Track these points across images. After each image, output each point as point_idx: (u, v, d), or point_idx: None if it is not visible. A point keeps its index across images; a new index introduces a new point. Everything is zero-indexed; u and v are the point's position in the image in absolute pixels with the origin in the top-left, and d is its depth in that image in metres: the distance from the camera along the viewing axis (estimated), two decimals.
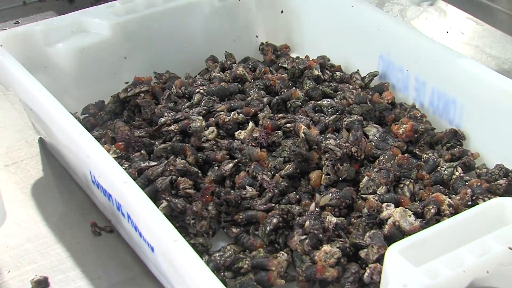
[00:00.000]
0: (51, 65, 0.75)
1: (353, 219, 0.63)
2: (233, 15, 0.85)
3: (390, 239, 0.59)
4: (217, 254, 0.60)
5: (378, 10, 0.81)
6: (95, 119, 0.75)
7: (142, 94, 0.75)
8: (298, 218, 0.62)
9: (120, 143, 0.70)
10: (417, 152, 0.70)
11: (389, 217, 0.60)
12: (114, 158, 0.63)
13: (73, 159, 0.67)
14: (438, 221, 0.60)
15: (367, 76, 0.80)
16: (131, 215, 0.57)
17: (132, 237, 0.62)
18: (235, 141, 0.69)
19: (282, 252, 0.60)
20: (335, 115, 0.72)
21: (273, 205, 0.64)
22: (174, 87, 0.77)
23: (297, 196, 0.65)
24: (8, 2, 1.00)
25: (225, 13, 0.85)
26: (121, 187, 0.57)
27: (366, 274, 0.57)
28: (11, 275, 0.62)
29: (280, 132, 0.70)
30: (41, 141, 0.78)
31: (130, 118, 0.75)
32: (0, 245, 0.65)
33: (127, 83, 0.79)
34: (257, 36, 0.88)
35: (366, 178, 0.65)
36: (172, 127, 0.70)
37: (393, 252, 0.49)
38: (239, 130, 0.71)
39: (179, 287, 0.55)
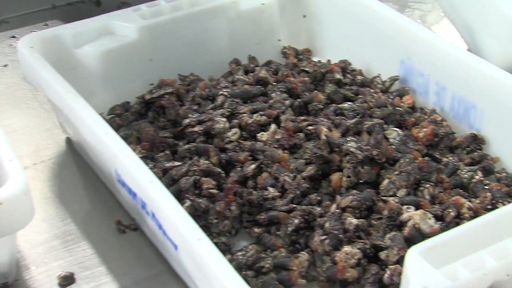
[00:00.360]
0: (79, 67, 0.75)
1: (373, 221, 0.62)
2: (257, 20, 0.85)
3: (410, 241, 0.58)
4: (240, 253, 0.60)
5: (399, 15, 0.80)
6: (121, 120, 0.75)
7: (166, 96, 0.75)
8: (319, 219, 0.62)
9: (145, 143, 0.70)
10: (437, 156, 0.70)
11: (409, 220, 0.60)
12: (139, 158, 0.62)
13: (99, 158, 0.67)
14: (457, 224, 0.60)
15: (388, 80, 0.80)
16: (155, 214, 0.57)
17: (156, 235, 0.62)
18: (258, 142, 0.69)
19: (303, 252, 0.60)
20: (356, 118, 0.71)
21: (295, 206, 0.63)
22: (198, 89, 0.77)
23: (318, 198, 0.65)
24: (37, 5, 1.01)
25: (249, 17, 0.84)
26: (147, 186, 0.58)
27: (386, 275, 0.56)
28: (39, 271, 0.63)
29: (301, 134, 0.70)
30: (68, 140, 0.78)
31: (155, 119, 0.75)
32: (28, 241, 0.65)
33: (152, 84, 0.79)
34: (279, 40, 0.88)
35: (386, 180, 0.64)
36: (196, 128, 0.70)
37: (413, 254, 0.49)
38: (262, 132, 0.70)
39: (202, 285, 0.55)
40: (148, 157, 0.68)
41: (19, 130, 0.80)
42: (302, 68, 0.82)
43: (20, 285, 0.61)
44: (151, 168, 0.64)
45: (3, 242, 0.56)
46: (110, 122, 0.75)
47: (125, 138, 0.71)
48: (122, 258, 0.64)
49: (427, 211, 0.60)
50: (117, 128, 0.75)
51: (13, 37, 0.95)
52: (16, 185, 0.54)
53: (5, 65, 0.90)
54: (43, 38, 0.73)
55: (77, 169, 0.75)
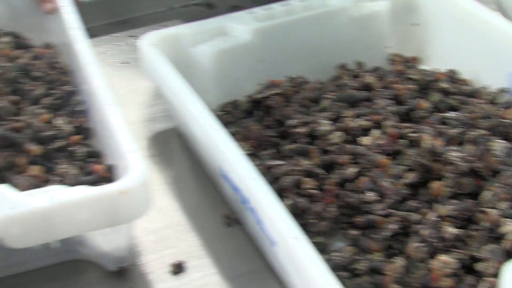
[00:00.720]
0: (193, 65, 0.77)
1: (471, 231, 0.60)
2: (368, 26, 0.84)
3: (509, 255, 0.56)
4: (335, 254, 0.59)
5: (511, 26, 0.77)
6: (230, 117, 0.77)
7: (274, 96, 0.76)
8: (416, 226, 0.60)
9: (252, 140, 0.71)
10: None
11: (509, 233, 0.58)
12: (245, 154, 0.63)
13: (206, 152, 0.69)
14: None
15: (496, 91, 0.77)
16: (256, 209, 0.58)
17: (255, 231, 0.62)
18: (360, 146, 0.68)
19: (398, 257, 0.59)
20: (460, 128, 0.69)
21: (392, 211, 0.62)
22: (305, 91, 0.77)
23: (416, 205, 0.63)
24: (155, 7, 1.04)
25: (360, 23, 0.84)
26: (249, 183, 0.58)
27: (481, 287, 0.55)
28: (152, 257, 0.65)
29: (404, 141, 0.69)
30: (179, 135, 0.80)
31: (261, 118, 0.76)
32: (142, 229, 0.67)
33: (261, 85, 0.80)
34: (387, 47, 0.87)
35: (488, 192, 0.62)
36: (300, 129, 0.70)
37: (510, 269, 0.47)
38: (364, 136, 0.70)
39: (297, 283, 0.55)
40: (253, 155, 0.69)
41: (136, 123, 0.83)
42: (408, 75, 0.81)
43: (135, 270, 0.63)
44: (255, 165, 0.65)
45: (123, 229, 0.58)
46: (220, 118, 0.77)
47: (233, 134, 0.72)
48: (227, 250, 0.65)
49: None
50: (225, 124, 0.76)
51: (132, 36, 0.98)
52: (137, 176, 0.56)
53: (126, 62, 0.93)
54: (163, 37, 0.75)
55: (187, 163, 0.76)
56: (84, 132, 0.72)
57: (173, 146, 0.79)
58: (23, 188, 0.59)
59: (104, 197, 0.56)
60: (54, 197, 0.55)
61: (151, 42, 0.74)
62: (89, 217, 0.56)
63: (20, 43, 0.82)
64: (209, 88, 0.78)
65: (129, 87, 0.89)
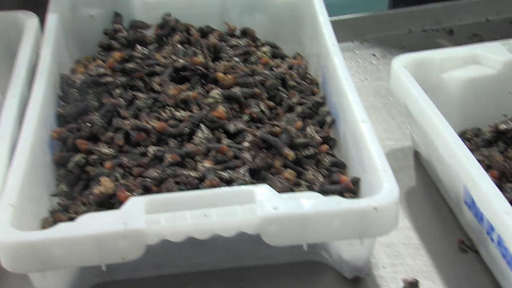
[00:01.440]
0: (440, 89, 0.74)
1: None
2: None
3: None
4: None
5: None
6: (470, 144, 0.72)
7: None
8: None
9: (494, 171, 0.66)
10: None
11: None
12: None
13: (449, 176, 0.65)
14: None
15: None
16: (504, 242, 0.54)
17: (496, 262, 0.58)
18: None
19: None
20: None
21: None
22: None
23: None
24: (395, 29, 1.01)
25: None
26: (503, 216, 0.54)
27: None
28: (386, 271, 0.63)
29: None
30: (416, 154, 0.77)
31: (505, 149, 0.71)
32: (378, 243, 0.66)
33: (506, 116, 0.74)
34: None
35: None
36: None
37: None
38: None
39: None
40: (496, 185, 0.64)
41: None
42: None
43: (369, 280, 0.62)
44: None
45: (367, 242, 0.57)
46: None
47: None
48: (459, 276, 0.62)
49: None
50: None
51: (373, 55, 0.97)
52: (390, 195, 0.55)
53: (365, 79, 0.92)
54: (415, 60, 0.73)
55: (423, 182, 0.74)
56: (330, 142, 0.72)
57: (408, 164, 0.76)
58: (278, 189, 0.60)
59: (358, 210, 0.55)
60: (312, 204, 0.55)
61: (403, 64, 0.72)
62: (341, 227, 0.55)
63: (276, 53, 0.84)
64: (453, 113, 0.74)
65: (365, 102, 0.88)
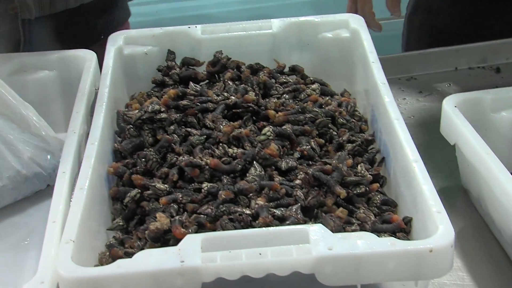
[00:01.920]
0: (492, 129, 0.72)
1: None
2: None
3: None
4: None
5: None
6: None
7: None
8: None
9: None
10: None
11: None
12: None
13: (503, 217, 0.63)
14: None
15: None
16: None
17: None
18: None
19: None
20: None
21: None
22: None
23: None
24: (442, 66, 1.00)
25: None
26: None
27: None
28: None
29: None
30: (465, 192, 0.75)
31: None
32: (431, 283, 0.64)
33: None
34: None
35: None
36: None
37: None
38: None
39: None
40: None
41: None
42: None
43: None
44: None
45: (423, 283, 0.56)
46: None
47: None
48: None
49: None
50: None
51: (420, 92, 0.95)
52: (446, 236, 0.53)
53: (412, 116, 0.91)
54: (466, 100, 0.72)
55: (471, 221, 0.72)
56: (381, 180, 0.70)
57: (458, 203, 0.75)
58: (331, 228, 0.59)
59: (413, 252, 0.53)
60: (366, 244, 0.54)
61: (454, 103, 0.71)
62: (395, 268, 0.54)
63: (324, 90, 0.83)
64: (504, 152, 0.72)
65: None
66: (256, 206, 0.62)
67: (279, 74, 0.84)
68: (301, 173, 0.66)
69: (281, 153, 0.69)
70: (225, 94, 0.77)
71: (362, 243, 0.54)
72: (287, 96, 0.79)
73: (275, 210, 0.62)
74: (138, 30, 0.86)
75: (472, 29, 1.09)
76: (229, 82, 0.80)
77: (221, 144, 0.70)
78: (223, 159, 0.68)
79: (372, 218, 0.64)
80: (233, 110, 0.75)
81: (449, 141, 0.72)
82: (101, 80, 0.77)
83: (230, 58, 0.84)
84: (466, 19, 1.10)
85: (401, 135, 0.66)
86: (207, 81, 0.84)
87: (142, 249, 0.59)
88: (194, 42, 0.86)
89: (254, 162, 0.67)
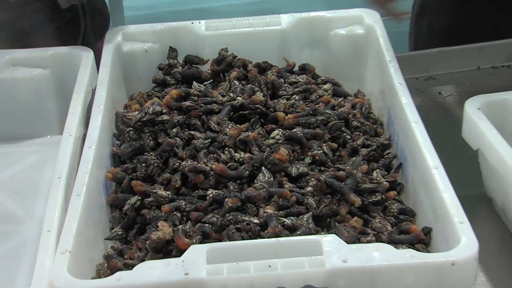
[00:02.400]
0: None
1: None
2: None
3: None
4: None
5: None
6: None
7: None
8: None
9: None
10: None
11: None
12: None
13: None
14: None
15: None
16: None
17: None
18: None
19: None
20: None
21: None
22: None
23: None
24: (463, 65, 1.00)
25: None
26: None
27: None
28: None
29: None
30: (489, 200, 0.75)
31: None
32: None
33: None
34: None
35: None
36: None
37: None
38: None
39: None
40: None
41: None
42: None
43: None
44: None
45: None
46: None
47: None
48: None
49: None
50: None
51: (439, 93, 0.96)
52: (469, 249, 0.53)
53: (431, 118, 0.91)
54: (490, 101, 0.72)
55: (495, 231, 0.72)
56: (398, 187, 0.70)
57: (481, 213, 0.74)
58: (345, 239, 0.59)
59: (434, 265, 0.54)
60: (384, 256, 0.54)
61: (477, 106, 0.71)
62: (414, 283, 0.54)
63: (337, 91, 0.83)
64: None
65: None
66: (265, 214, 0.62)
67: (288, 74, 0.84)
68: (312, 179, 0.66)
69: (291, 158, 0.69)
70: (231, 94, 0.77)
71: (378, 255, 0.54)
72: (297, 97, 0.79)
73: (285, 219, 0.62)
74: (137, 25, 0.87)
75: (482, 29, 1.09)
76: (235, 81, 0.81)
77: (227, 148, 0.70)
78: (229, 164, 0.68)
79: (389, 228, 0.64)
80: (240, 112, 0.75)
81: (471, 146, 0.72)
82: (99, 79, 0.77)
83: (236, 56, 0.85)
84: (475, 19, 1.10)
85: (420, 139, 0.66)
86: (211, 80, 0.84)
87: (143, 260, 0.60)
88: (197, 39, 0.87)
89: (263, 167, 0.67)
